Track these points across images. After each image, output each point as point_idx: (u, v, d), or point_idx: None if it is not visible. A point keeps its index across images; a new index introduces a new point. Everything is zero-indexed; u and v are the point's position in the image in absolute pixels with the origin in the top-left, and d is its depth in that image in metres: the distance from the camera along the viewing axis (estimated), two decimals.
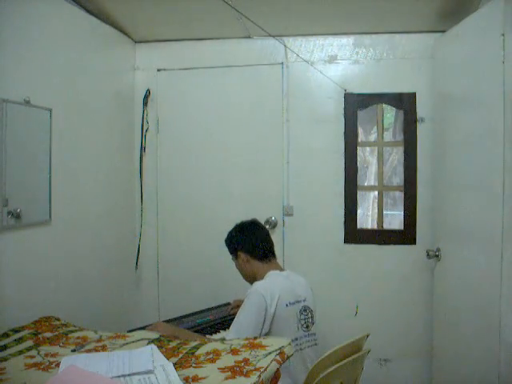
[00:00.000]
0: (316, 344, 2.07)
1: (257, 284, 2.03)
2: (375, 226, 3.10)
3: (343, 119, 2.89)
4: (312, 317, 2.08)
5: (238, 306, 2.45)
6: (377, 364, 2.87)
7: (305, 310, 2.05)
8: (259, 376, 1.34)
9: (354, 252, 2.90)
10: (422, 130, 2.81)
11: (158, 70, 3.06)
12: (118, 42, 2.88)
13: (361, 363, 1.80)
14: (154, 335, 1.74)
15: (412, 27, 2.78)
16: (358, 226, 2.93)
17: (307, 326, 2.04)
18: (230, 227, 2.29)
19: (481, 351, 2.06)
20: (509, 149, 1.90)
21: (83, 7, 2.48)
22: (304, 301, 2.06)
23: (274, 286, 2.00)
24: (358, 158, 2.95)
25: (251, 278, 2.20)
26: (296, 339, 1.99)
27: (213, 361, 1.46)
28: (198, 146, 3.04)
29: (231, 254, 2.26)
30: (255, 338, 1.67)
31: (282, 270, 2.17)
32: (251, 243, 2.18)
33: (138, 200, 3.06)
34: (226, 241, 2.27)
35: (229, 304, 2.59)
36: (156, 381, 1.31)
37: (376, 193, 3.19)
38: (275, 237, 2.28)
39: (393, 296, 2.85)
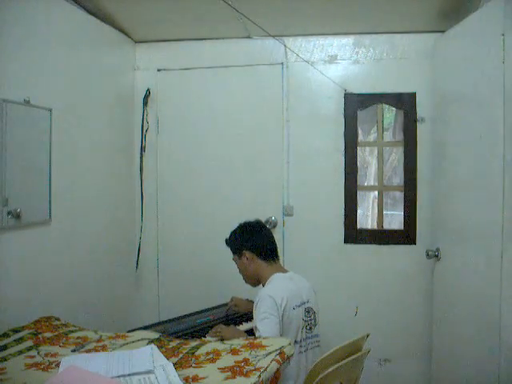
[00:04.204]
0: (318, 345, 2.07)
1: (264, 290, 2.02)
2: (375, 226, 3.10)
3: (343, 119, 2.89)
4: (315, 318, 2.07)
5: (237, 305, 2.46)
6: (377, 364, 2.87)
7: (308, 312, 2.04)
8: (259, 376, 1.34)
9: (354, 252, 2.90)
10: (421, 130, 2.81)
11: (158, 70, 3.06)
12: (118, 42, 2.88)
13: (361, 363, 1.80)
14: (154, 335, 1.74)
15: (412, 27, 2.78)
16: (358, 226, 2.93)
17: (310, 328, 2.04)
18: (230, 227, 2.28)
19: (481, 351, 2.05)
20: (509, 149, 1.90)
21: (83, 7, 2.48)
22: (307, 302, 2.06)
23: (281, 290, 1.99)
24: (358, 158, 2.95)
25: (254, 279, 2.19)
26: (300, 341, 1.99)
27: (213, 361, 1.46)
28: (197, 146, 3.04)
29: (235, 253, 2.23)
30: (255, 338, 1.67)
31: (285, 271, 2.16)
32: (257, 242, 2.16)
33: (138, 200, 3.06)
34: (229, 240, 2.25)
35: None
36: (156, 381, 1.31)
37: (376, 193, 3.19)
38: (275, 237, 2.27)
39: (393, 296, 2.86)
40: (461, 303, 2.27)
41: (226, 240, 2.27)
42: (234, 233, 2.25)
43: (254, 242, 2.16)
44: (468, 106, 2.22)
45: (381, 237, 2.91)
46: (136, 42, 3.06)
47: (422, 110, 2.80)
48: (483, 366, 2.03)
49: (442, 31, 2.61)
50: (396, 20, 2.70)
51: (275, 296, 1.94)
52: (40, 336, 1.70)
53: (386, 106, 2.99)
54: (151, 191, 3.08)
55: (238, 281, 2.28)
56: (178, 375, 1.34)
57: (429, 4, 2.47)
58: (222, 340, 1.80)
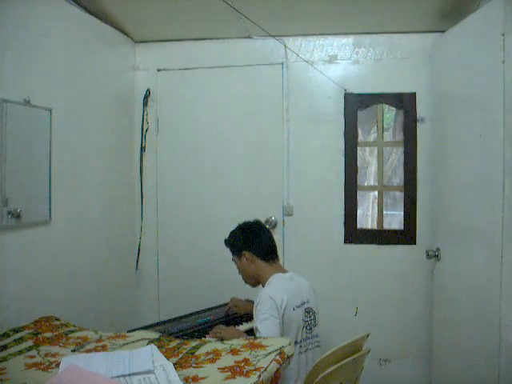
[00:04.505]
0: (319, 346, 2.07)
1: (264, 291, 2.02)
2: (375, 226, 3.10)
3: (343, 119, 2.89)
4: (315, 318, 2.07)
5: (236, 306, 2.46)
6: (377, 364, 2.87)
7: (308, 312, 2.04)
8: (259, 376, 1.34)
9: (354, 252, 2.90)
10: (422, 130, 2.81)
11: (158, 70, 3.06)
12: (118, 42, 2.88)
13: (361, 363, 1.80)
14: (154, 335, 1.74)
15: (412, 27, 2.78)
16: (358, 226, 2.93)
17: (310, 328, 2.04)
18: (230, 227, 2.28)
19: (481, 351, 2.06)
20: (509, 149, 1.90)
21: (83, 7, 2.48)
22: (308, 302, 2.05)
23: (281, 291, 1.98)
24: (358, 158, 2.95)
25: (254, 280, 2.18)
26: (300, 341, 1.98)
27: (213, 361, 1.46)
28: (197, 146, 3.04)
29: (234, 254, 2.22)
30: (255, 338, 1.67)
31: (285, 271, 2.16)
32: (257, 243, 2.15)
33: (138, 200, 3.06)
34: (228, 240, 2.24)
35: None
36: (156, 381, 1.30)
37: (376, 193, 3.19)
38: (275, 237, 2.27)
39: (393, 296, 2.86)
40: (461, 303, 2.27)
41: (226, 241, 2.26)
42: (233, 233, 2.25)
43: (253, 242, 2.16)
44: (468, 105, 2.22)
45: (381, 237, 2.91)
46: (136, 42, 3.06)
47: (421, 110, 2.80)
48: (483, 366, 2.03)
49: (442, 31, 2.61)
50: (396, 20, 2.70)
51: (275, 297, 1.94)
52: (40, 336, 1.70)
53: (386, 106, 2.99)
54: (151, 191, 3.08)
55: (238, 281, 2.28)
56: (178, 375, 1.33)
57: (428, 4, 2.47)
58: (221, 340, 1.80)
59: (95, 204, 2.58)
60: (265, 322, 1.90)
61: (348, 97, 2.88)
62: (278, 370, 1.44)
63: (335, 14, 2.63)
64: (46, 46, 2.14)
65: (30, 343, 1.63)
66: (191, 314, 2.45)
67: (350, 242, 2.91)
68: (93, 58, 2.57)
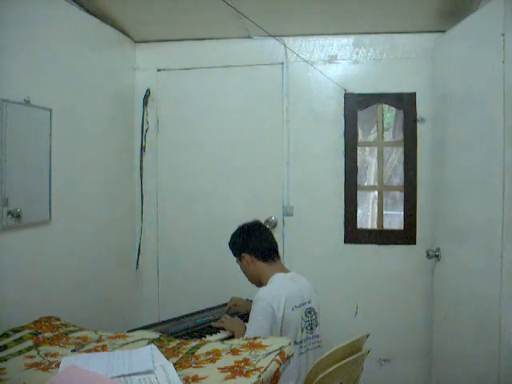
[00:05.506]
0: (319, 346, 2.07)
1: (263, 291, 2.01)
2: (375, 226, 3.10)
3: (343, 119, 2.89)
4: (316, 319, 2.07)
5: (236, 305, 2.46)
6: (377, 364, 2.87)
7: (309, 312, 2.04)
8: (259, 376, 1.34)
9: (354, 252, 2.90)
10: (421, 130, 2.81)
11: (158, 70, 3.06)
12: (118, 41, 2.88)
13: (361, 363, 1.80)
14: (154, 335, 1.74)
15: (412, 27, 2.78)
16: (358, 226, 2.93)
17: (311, 328, 2.04)
18: (230, 227, 2.28)
19: (481, 351, 2.06)
20: (509, 149, 1.90)
21: (83, 7, 2.48)
22: (309, 303, 2.05)
23: (280, 291, 1.98)
24: (358, 158, 2.95)
25: (256, 280, 2.18)
26: (301, 341, 1.98)
27: (213, 361, 1.46)
28: (197, 146, 3.04)
29: (235, 256, 2.23)
30: (255, 338, 1.67)
31: (286, 271, 2.16)
32: (255, 244, 2.16)
33: (138, 200, 3.06)
34: (229, 243, 2.26)
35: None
36: (156, 381, 1.30)
37: (376, 193, 3.19)
38: (275, 237, 2.28)
39: (393, 296, 2.86)
40: (461, 303, 2.27)
41: (228, 244, 2.27)
42: (233, 236, 2.26)
43: (252, 244, 2.16)
44: (468, 105, 2.22)
45: (381, 237, 2.91)
46: (136, 42, 3.06)
47: (422, 110, 2.80)
48: (483, 366, 2.03)
49: (442, 31, 2.61)
50: (396, 20, 2.70)
51: (272, 301, 1.94)
52: (40, 336, 1.70)
53: (386, 106, 2.99)
54: (151, 191, 3.08)
55: (238, 281, 2.28)
56: (178, 375, 1.33)
57: (429, 4, 2.47)
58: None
59: (95, 204, 2.58)
60: (252, 326, 1.93)
61: (348, 97, 2.88)
62: (277, 369, 1.44)
63: (335, 14, 2.63)
64: (46, 46, 2.14)
65: (29, 343, 1.63)
66: (191, 314, 2.45)
67: (350, 242, 2.91)
68: (93, 57, 2.57)
